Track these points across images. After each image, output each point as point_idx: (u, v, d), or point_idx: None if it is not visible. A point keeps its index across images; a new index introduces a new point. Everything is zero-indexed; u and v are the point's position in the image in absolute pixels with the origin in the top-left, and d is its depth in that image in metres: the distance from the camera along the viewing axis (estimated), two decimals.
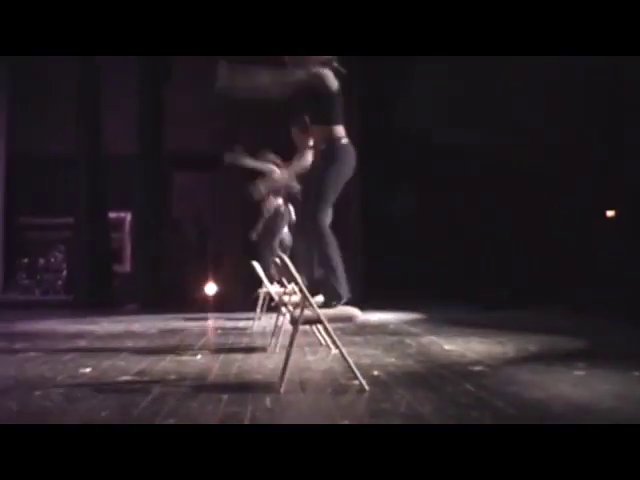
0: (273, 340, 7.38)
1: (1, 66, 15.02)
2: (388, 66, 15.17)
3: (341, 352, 5.14)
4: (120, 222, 17.93)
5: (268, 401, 4.69)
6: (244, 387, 5.23)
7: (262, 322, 9.87)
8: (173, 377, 5.71)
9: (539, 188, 15.36)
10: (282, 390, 4.94)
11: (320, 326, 5.67)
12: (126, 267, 17.71)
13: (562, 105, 14.32)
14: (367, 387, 4.98)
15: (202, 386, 5.27)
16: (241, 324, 10.27)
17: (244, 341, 8.26)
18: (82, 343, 8.27)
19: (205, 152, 16.81)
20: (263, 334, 8.93)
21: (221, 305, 13.64)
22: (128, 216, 17.74)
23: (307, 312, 5.10)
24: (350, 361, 5.12)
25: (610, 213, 16.05)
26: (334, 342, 5.27)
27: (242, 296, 14.42)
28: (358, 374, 5.06)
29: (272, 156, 9.60)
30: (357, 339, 8.08)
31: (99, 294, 15.11)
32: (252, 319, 10.37)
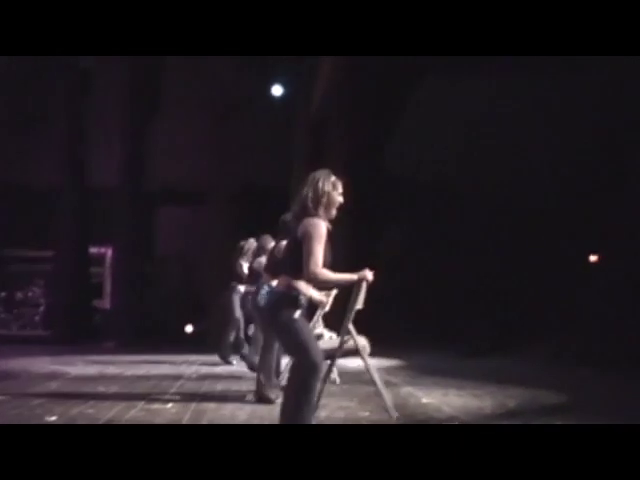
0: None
1: None
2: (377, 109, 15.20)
3: (378, 388, 5.12)
4: (101, 257, 17.72)
5: None
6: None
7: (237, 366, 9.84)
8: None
9: (522, 232, 15.32)
10: None
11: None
12: (106, 303, 17.49)
13: (548, 149, 14.33)
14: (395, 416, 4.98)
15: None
16: (218, 369, 10.07)
17: (218, 388, 8.09)
18: (53, 386, 8.10)
19: (190, 188, 16.73)
20: (239, 379, 8.79)
21: (202, 345, 13.42)
22: (109, 251, 17.55)
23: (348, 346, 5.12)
24: (386, 397, 5.08)
25: (593, 258, 15.97)
26: (372, 378, 5.18)
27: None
28: (390, 406, 5.02)
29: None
30: (333, 388, 7.91)
31: (78, 330, 14.91)
32: (230, 363, 10.36)
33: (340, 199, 4.99)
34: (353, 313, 4.98)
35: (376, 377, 5.03)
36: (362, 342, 5.07)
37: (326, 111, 15.13)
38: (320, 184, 4.98)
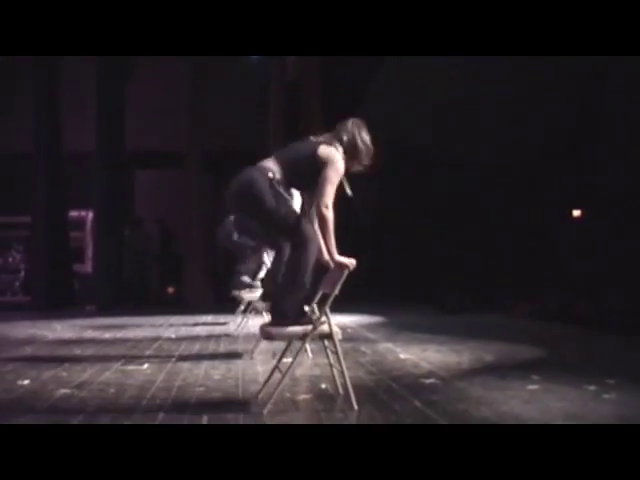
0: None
1: None
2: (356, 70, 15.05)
3: (342, 372, 4.88)
4: (81, 221, 17.53)
5: (205, 420, 4.47)
6: (183, 403, 5.01)
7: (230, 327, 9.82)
8: (112, 391, 5.48)
9: (504, 187, 15.26)
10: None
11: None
12: (88, 267, 17.32)
13: (532, 105, 14.21)
14: (356, 406, 4.73)
15: (140, 403, 5.04)
16: (197, 329, 10.03)
17: (195, 348, 8.03)
18: (29, 350, 8.00)
19: (167, 150, 16.53)
20: (218, 339, 8.77)
21: (181, 307, 13.39)
22: (90, 215, 17.35)
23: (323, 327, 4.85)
24: (348, 381, 4.84)
25: (576, 213, 15.93)
26: (339, 361, 4.94)
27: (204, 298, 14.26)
28: (352, 394, 4.76)
29: None
30: (311, 346, 7.84)
31: (58, 295, 14.77)
32: (207, 324, 10.34)
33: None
34: (331, 298, 4.83)
35: (344, 366, 4.88)
36: (335, 328, 4.92)
37: (301, 72, 14.95)
38: (364, 134, 4.61)
